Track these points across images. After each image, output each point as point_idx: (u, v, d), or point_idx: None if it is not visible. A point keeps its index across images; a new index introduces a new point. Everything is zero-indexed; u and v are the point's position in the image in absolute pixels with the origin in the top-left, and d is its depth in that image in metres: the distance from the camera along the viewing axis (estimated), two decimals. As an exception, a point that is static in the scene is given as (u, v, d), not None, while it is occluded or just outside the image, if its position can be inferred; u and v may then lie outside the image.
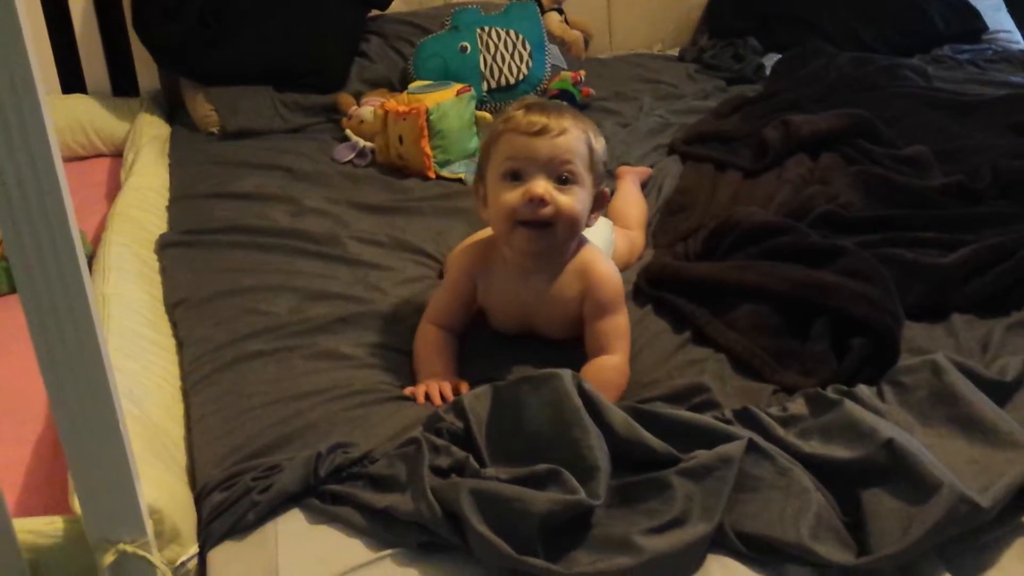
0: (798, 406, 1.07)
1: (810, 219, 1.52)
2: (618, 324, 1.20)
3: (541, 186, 1.15)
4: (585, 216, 1.20)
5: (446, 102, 1.95)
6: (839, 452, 0.99)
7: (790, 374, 1.14)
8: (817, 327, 1.18)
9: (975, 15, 3.00)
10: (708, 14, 3.02)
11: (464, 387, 1.17)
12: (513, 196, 1.15)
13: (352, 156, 2.03)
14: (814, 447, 1.01)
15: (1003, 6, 3.16)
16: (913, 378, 1.09)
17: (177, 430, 1.16)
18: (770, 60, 2.63)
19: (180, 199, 1.88)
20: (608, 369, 1.16)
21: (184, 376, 1.30)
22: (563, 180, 1.16)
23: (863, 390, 1.09)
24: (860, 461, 0.97)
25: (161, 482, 0.96)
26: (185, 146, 2.13)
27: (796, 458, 1.00)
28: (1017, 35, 3.04)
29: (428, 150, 1.92)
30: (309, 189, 1.87)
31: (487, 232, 1.31)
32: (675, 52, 2.93)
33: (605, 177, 1.25)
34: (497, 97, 2.28)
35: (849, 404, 1.02)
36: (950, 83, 2.29)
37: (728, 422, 1.05)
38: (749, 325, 1.22)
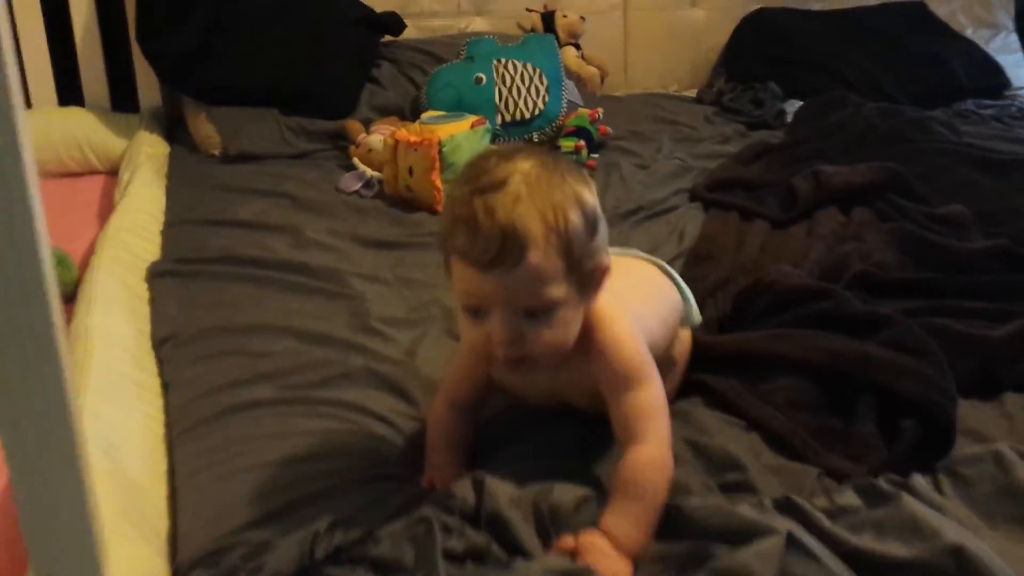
0: (848, 498, 0.96)
1: (845, 280, 1.43)
2: (643, 402, 0.96)
3: (504, 332, 0.89)
4: (575, 328, 0.95)
5: (460, 134, 1.86)
6: (896, 550, 0.89)
7: (836, 458, 1.04)
8: (863, 406, 1.08)
9: (998, 70, 2.95)
10: (726, 56, 2.96)
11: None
12: (477, 336, 0.92)
13: (358, 186, 1.94)
14: (866, 542, 0.91)
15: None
16: (975, 470, 0.99)
17: (159, 489, 1.05)
18: (791, 106, 2.57)
19: (175, 224, 1.77)
20: (642, 468, 0.93)
21: (169, 423, 1.19)
22: (533, 313, 0.90)
23: (919, 481, 0.99)
24: (922, 564, 0.87)
25: (134, 558, 0.85)
26: (184, 168, 2.03)
27: (845, 553, 0.90)
28: (1040, 92, 2.99)
29: (439, 183, 1.83)
30: (312, 219, 1.77)
31: None
32: (692, 93, 2.87)
33: (598, 250, 0.92)
34: (511, 132, 2.20)
35: (908, 499, 0.92)
36: (979, 139, 2.21)
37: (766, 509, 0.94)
38: (786, 400, 1.12)
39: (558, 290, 0.89)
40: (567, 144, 2.04)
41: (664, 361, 1.11)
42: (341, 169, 2.01)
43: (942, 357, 1.12)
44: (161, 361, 1.34)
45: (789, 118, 2.50)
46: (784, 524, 0.90)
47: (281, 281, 1.51)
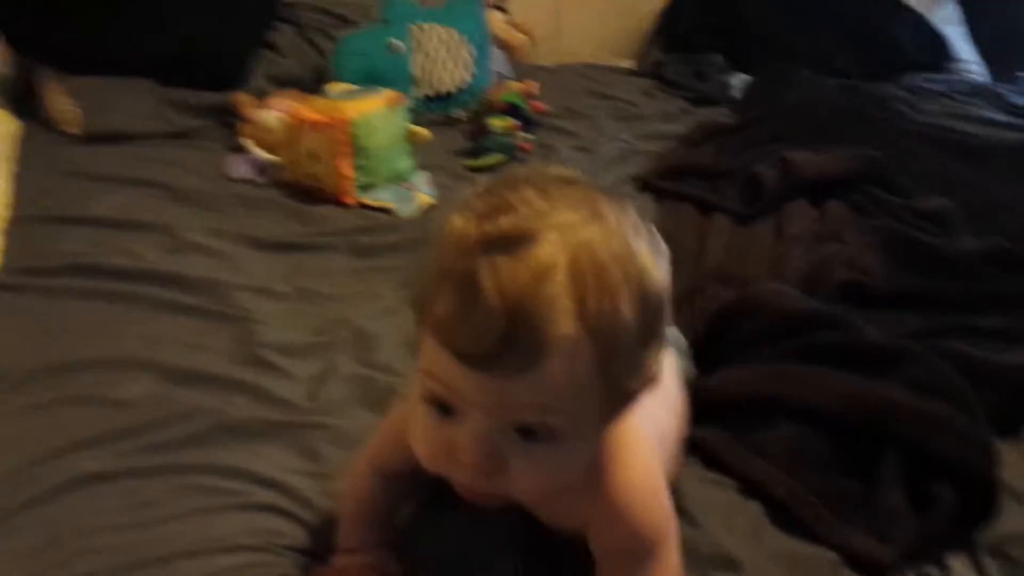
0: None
1: (829, 290, 1.22)
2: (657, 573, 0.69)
3: (478, 454, 0.59)
4: (582, 464, 0.64)
5: (374, 113, 1.57)
6: None
7: (856, 535, 0.82)
8: (887, 465, 0.86)
9: (943, 43, 2.80)
10: (663, 25, 2.72)
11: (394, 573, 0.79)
12: (436, 439, 0.62)
13: (250, 172, 1.63)
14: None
15: (965, 36, 2.99)
16: (1032, 553, 0.78)
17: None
18: (736, 80, 2.36)
19: (21, 222, 1.43)
20: None
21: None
22: (529, 433, 0.59)
23: (960, 571, 0.78)
24: None
25: None
26: (37, 150, 1.68)
27: None
28: (980, 67, 2.86)
29: (349, 172, 1.55)
30: (191, 214, 1.47)
31: None
32: (626, 64, 2.63)
33: (649, 362, 0.61)
34: (433, 107, 1.92)
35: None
36: (940, 118, 2.04)
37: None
38: (788, 454, 0.90)
39: (577, 413, 0.58)
40: (498, 124, 1.77)
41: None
42: (229, 152, 1.70)
43: (975, 401, 0.91)
44: (-17, 409, 1.03)
45: (734, 92, 2.30)
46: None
47: (147, 298, 1.22)
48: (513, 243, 0.55)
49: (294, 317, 1.23)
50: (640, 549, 0.68)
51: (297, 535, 0.85)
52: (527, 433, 0.59)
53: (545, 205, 0.56)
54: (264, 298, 1.26)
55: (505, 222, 0.56)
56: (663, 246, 0.61)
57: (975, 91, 2.49)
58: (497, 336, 0.54)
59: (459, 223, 0.58)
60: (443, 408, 0.60)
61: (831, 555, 0.82)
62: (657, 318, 0.60)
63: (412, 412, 0.64)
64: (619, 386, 0.59)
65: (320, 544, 0.84)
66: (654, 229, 0.61)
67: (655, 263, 0.59)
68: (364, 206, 1.56)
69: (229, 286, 1.26)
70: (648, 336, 0.59)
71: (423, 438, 0.63)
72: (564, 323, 0.54)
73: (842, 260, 1.30)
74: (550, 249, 0.55)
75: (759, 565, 0.80)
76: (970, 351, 1.04)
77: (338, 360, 1.13)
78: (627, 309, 0.56)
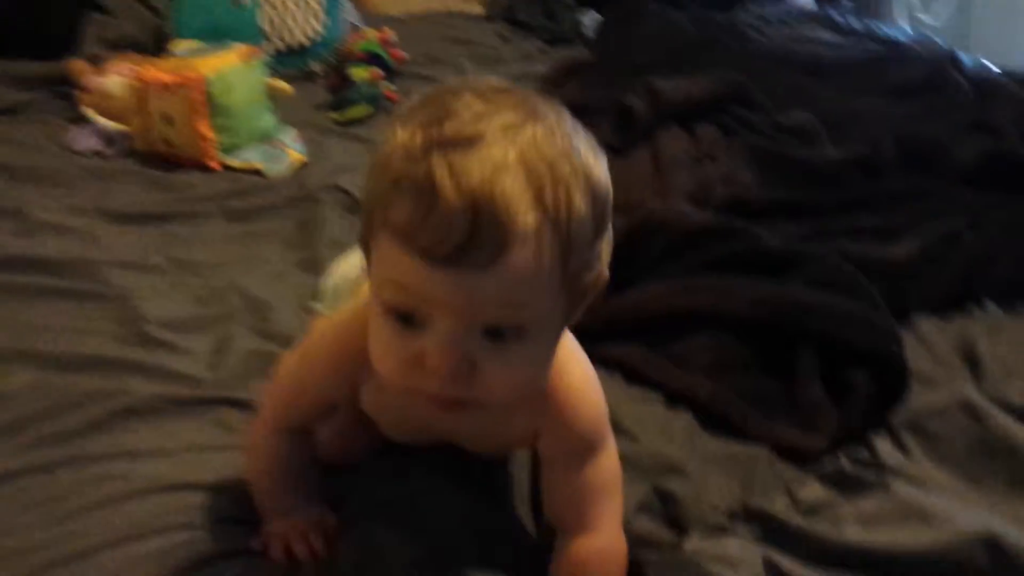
0: (812, 491, 0.79)
1: (713, 206, 1.26)
2: (601, 474, 0.71)
3: (449, 358, 0.57)
4: (549, 364, 0.65)
5: (229, 69, 1.48)
6: (901, 539, 0.72)
7: (790, 431, 0.85)
8: (805, 362, 0.90)
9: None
10: (505, -34, 2.71)
11: (333, 525, 0.76)
12: (400, 351, 0.59)
13: (97, 144, 1.51)
14: (859, 535, 0.74)
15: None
16: (944, 424, 0.84)
17: None
18: (587, 18, 2.38)
19: None
20: (597, 564, 0.70)
21: None
22: (497, 334, 0.58)
23: (885, 449, 0.83)
24: (938, 555, 0.70)
25: None
26: None
27: (834, 556, 0.72)
28: (805, -6, 3.01)
29: (209, 133, 1.45)
30: (40, 194, 1.34)
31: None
32: (475, 10, 2.60)
33: (600, 257, 0.61)
34: (286, 63, 1.83)
35: (898, 485, 0.75)
36: (784, 41, 2.13)
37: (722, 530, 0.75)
38: (708, 362, 0.92)
39: (542, 306, 0.57)
40: (360, 73, 1.71)
41: None
42: (69, 124, 1.56)
43: (875, 291, 0.96)
44: None
45: (586, 30, 2.32)
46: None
47: (9, 285, 1.10)
48: (462, 143, 0.54)
49: (176, 290, 1.15)
50: (588, 447, 0.70)
51: (224, 507, 0.80)
52: (495, 335, 0.58)
53: (486, 108, 0.56)
54: (139, 273, 1.17)
55: (450, 127, 0.55)
56: (598, 146, 0.61)
57: (807, 16, 2.61)
58: (462, 230, 0.53)
59: (403, 134, 0.56)
60: (405, 319, 0.58)
61: (765, 451, 0.85)
62: (605, 212, 0.60)
63: (371, 330, 0.62)
64: (577, 281, 0.59)
65: (249, 512, 0.79)
66: (588, 131, 0.61)
67: (596, 159, 0.59)
68: (230, 169, 1.47)
69: (98, 264, 1.16)
70: (600, 229, 0.60)
71: (387, 353, 0.60)
72: (525, 213, 0.54)
73: (720, 177, 1.34)
74: (499, 147, 0.54)
75: (701, 468, 0.82)
76: (852, 248, 1.10)
77: (233, 330, 1.07)
78: (580, 200, 0.56)
